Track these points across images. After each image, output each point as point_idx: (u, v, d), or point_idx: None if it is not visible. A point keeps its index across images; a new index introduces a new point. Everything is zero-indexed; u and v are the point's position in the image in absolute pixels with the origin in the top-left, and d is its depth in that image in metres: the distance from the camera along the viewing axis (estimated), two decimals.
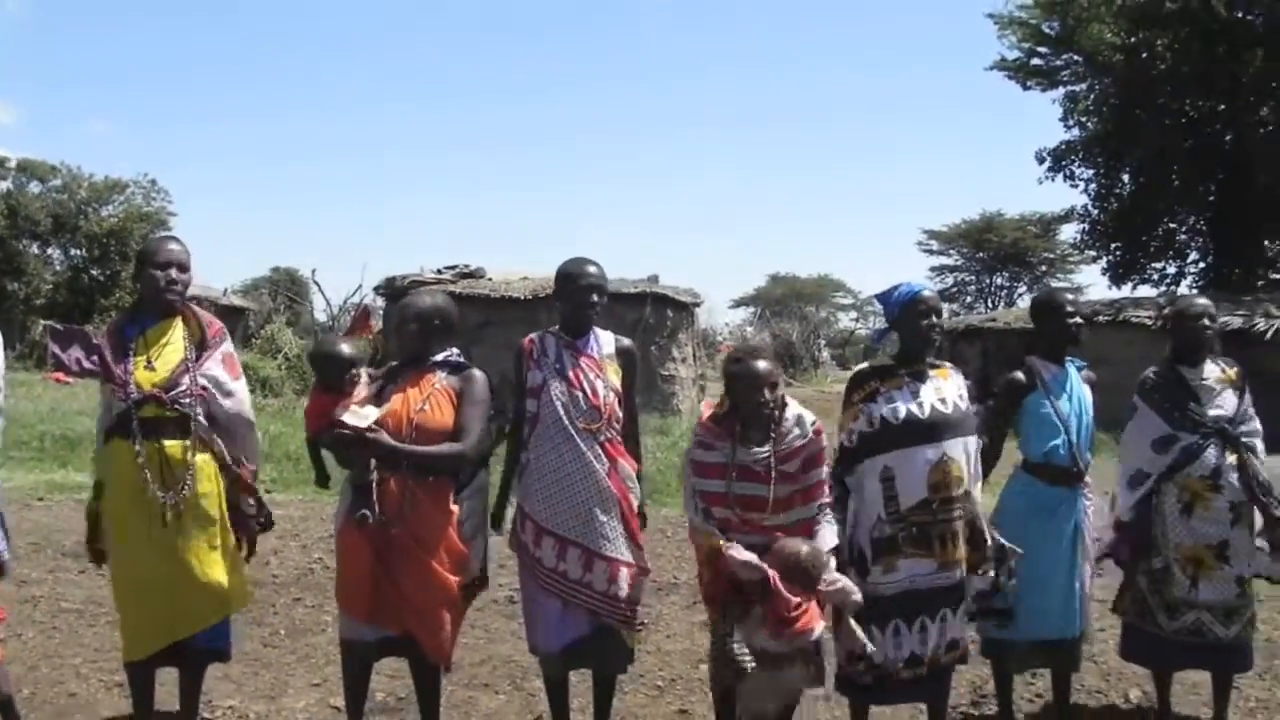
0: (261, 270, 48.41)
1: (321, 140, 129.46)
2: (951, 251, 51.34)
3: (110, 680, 5.37)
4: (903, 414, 4.33)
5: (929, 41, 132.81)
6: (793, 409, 4.34)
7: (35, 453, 12.60)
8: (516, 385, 4.57)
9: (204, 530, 4.31)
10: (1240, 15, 24.98)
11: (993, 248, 48.71)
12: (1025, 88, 29.08)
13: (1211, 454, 4.78)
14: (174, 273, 4.32)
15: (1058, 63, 28.40)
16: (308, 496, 10.70)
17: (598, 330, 4.63)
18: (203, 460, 4.31)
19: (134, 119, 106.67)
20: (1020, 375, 4.79)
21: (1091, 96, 28.28)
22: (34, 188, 35.84)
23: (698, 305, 22.92)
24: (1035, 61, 28.56)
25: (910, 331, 4.48)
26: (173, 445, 4.24)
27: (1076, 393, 4.81)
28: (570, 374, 4.48)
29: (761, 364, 4.24)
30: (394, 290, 21.56)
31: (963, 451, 4.36)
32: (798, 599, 4.03)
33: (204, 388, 4.32)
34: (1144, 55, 25.53)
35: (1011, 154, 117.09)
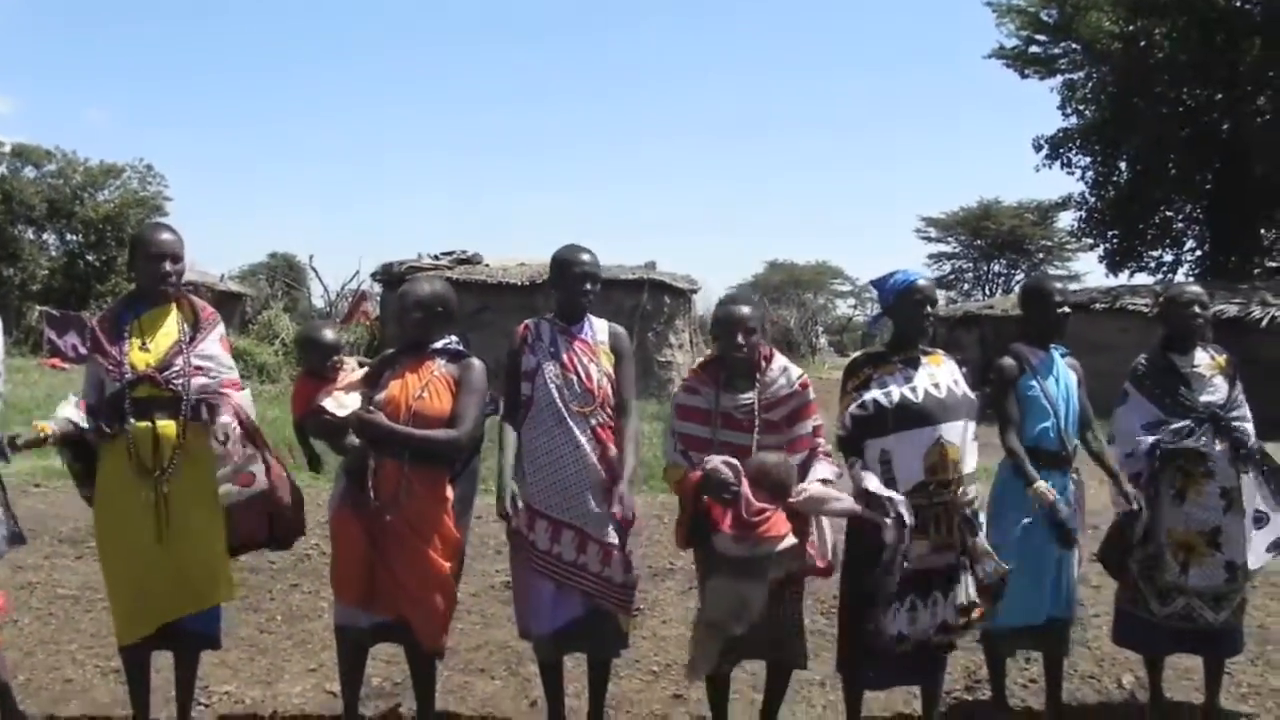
0: (259, 256, 48.37)
1: (320, 126, 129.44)
2: (949, 239, 51.38)
3: (107, 666, 5.38)
4: (896, 398, 4.35)
5: (928, 29, 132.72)
6: (780, 360, 4.46)
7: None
8: (510, 369, 4.58)
9: (196, 512, 4.32)
10: (1238, 4, 25.04)
11: (990, 235, 48.74)
12: (1023, 76, 29.12)
13: (1203, 440, 4.79)
14: (168, 264, 4.34)
15: (1056, 51, 28.44)
16: (304, 483, 10.61)
17: (592, 318, 4.66)
18: (195, 440, 4.32)
19: (131, 107, 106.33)
20: (1010, 360, 4.81)
21: (1089, 85, 28.31)
22: (29, 172, 35.79)
23: (695, 292, 22.94)
24: (1033, 49, 28.59)
25: (904, 319, 4.51)
26: (165, 425, 4.25)
27: (1063, 378, 4.84)
28: (564, 357, 4.51)
29: (742, 309, 4.38)
30: (391, 276, 21.60)
31: (959, 434, 4.37)
32: (762, 505, 4.09)
33: (199, 366, 4.35)
34: (1142, 44, 25.55)
35: (1009, 142, 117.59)
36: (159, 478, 4.23)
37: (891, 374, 4.42)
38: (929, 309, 4.50)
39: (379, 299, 25.34)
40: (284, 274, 41.18)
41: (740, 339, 4.32)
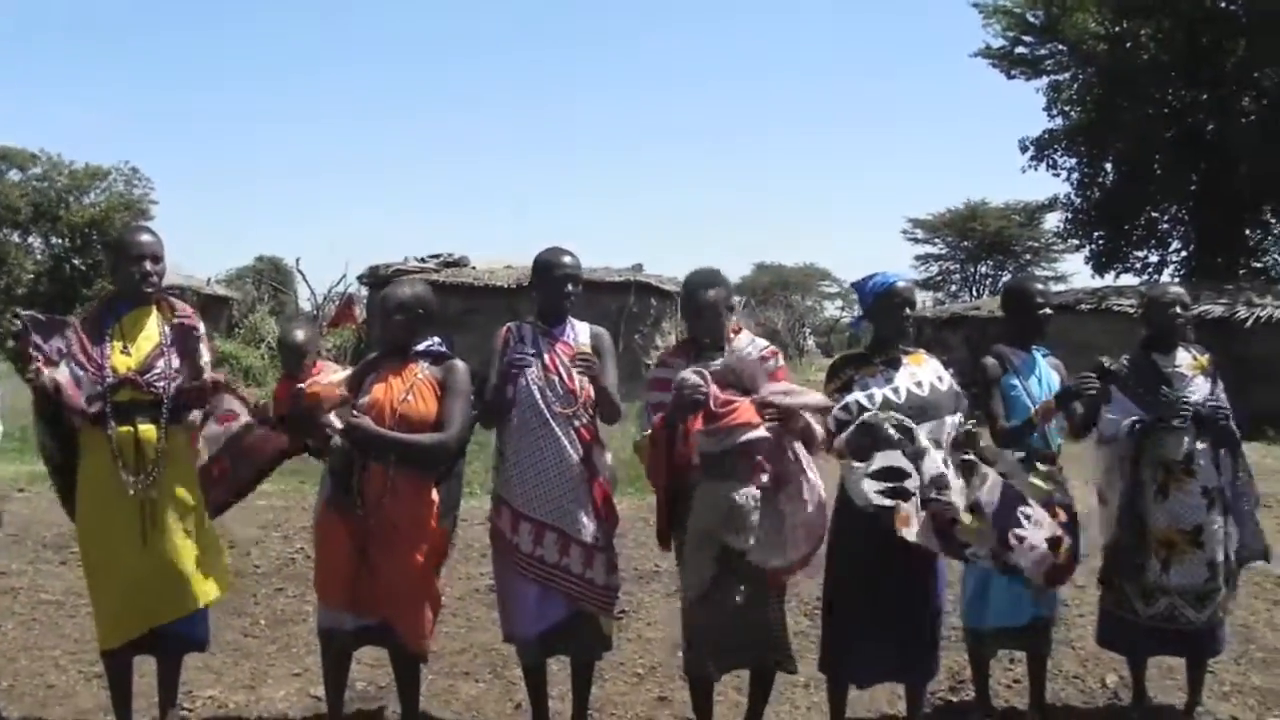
0: (246, 259, 48.28)
1: (308, 130, 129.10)
2: (936, 240, 51.43)
3: (90, 671, 5.36)
4: (878, 399, 4.36)
5: (914, 29, 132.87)
6: (746, 335, 4.58)
7: (16, 444, 12.50)
8: (484, 369, 4.61)
9: (179, 515, 4.32)
10: (1223, 5, 25.08)
11: (977, 236, 48.79)
12: (1009, 76, 29.10)
13: (1185, 440, 4.81)
14: (148, 265, 4.33)
15: (1042, 51, 28.44)
16: (289, 487, 10.67)
17: (574, 320, 4.68)
18: (177, 444, 4.31)
19: (117, 109, 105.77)
20: (991, 360, 4.85)
21: (1075, 86, 28.32)
22: (14, 175, 35.66)
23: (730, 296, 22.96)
24: (1019, 50, 28.57)
25: (884, 321, 4.54)
26: (146, 428, 4.25)
27: (1045, 377, 4.87)
28: (546, 359, 4.52)
29: (708, 294, 4.48)
30: (378, 279, 21.58)
31: (945, 431, 4.39)
32: (729, 396, 4.16)
33: (178, 369, 4.35)
34: (1127, 45, 25.61)
35: (996, 143, 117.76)
36: (142, 481, 4.22)
37: (873, 375, 4.44)
38: (908, 310, 4.53)
39: (366, 302, 25.32)
40: (271, 277, 41.08)
41: (710, 323, 4.45)
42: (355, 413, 4.31)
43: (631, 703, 5.25)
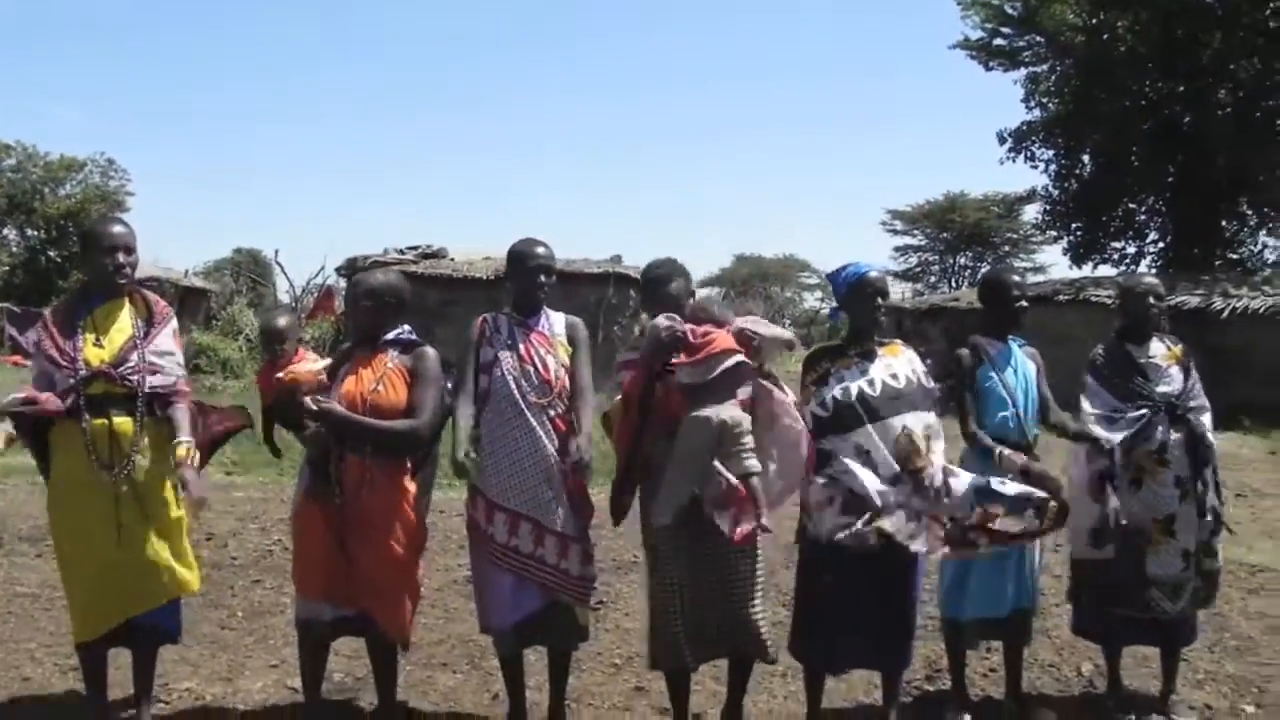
0: (224, 251, 48.06)
1: (286, 122, 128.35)
2: (915, 231, 51.52)
3: (65, 664, 5.33)
4: (854, 393, 4.37)
5: (893, 21, 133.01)
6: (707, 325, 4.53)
7: None
8: (461, 361, 4.59)
9: (154, 508, 4.30)
10: None
11: (956, 228, 48.92)
12: (988, 68, 29.27)
13: (1158, 430, 4.84)
14: (121, 256, 4.29)
15: (1020, 43, 28.60)
16: (267, 479, 10.67)
17: (549, 311, 4.68)
18: (152, 436, 4.29)
19: (95, 101, 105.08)
20: (966, 352, 4.86)
21: (1053, 77, 28.48)
22: None
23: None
24: (998, 42, 28.74)
25: (857, 311, 4.55)
26: (122, 421, 4.22)
27: (1021, 368, 4.89)
28: (521, 349, 4.52)
29: (669, 289, 4.51)
30: (356, 271, 21.49)
31: (919, 423, 4.41)
32: (705, 329, 4.22)
33: (152, 362, 4.31)
34: (1104, 36, 25.73)
35: (974, 134, 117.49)
36: (116, 475, 4.20)
37: (848, 368, 4.45)
38: (880, 300, 4.54)
39: (344, 294, 25.22)
40: (249, 269, 40.90)
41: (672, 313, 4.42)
42: (321, 398, 4.30)
43: (609, 693, 5.26)
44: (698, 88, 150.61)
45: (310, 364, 4.65)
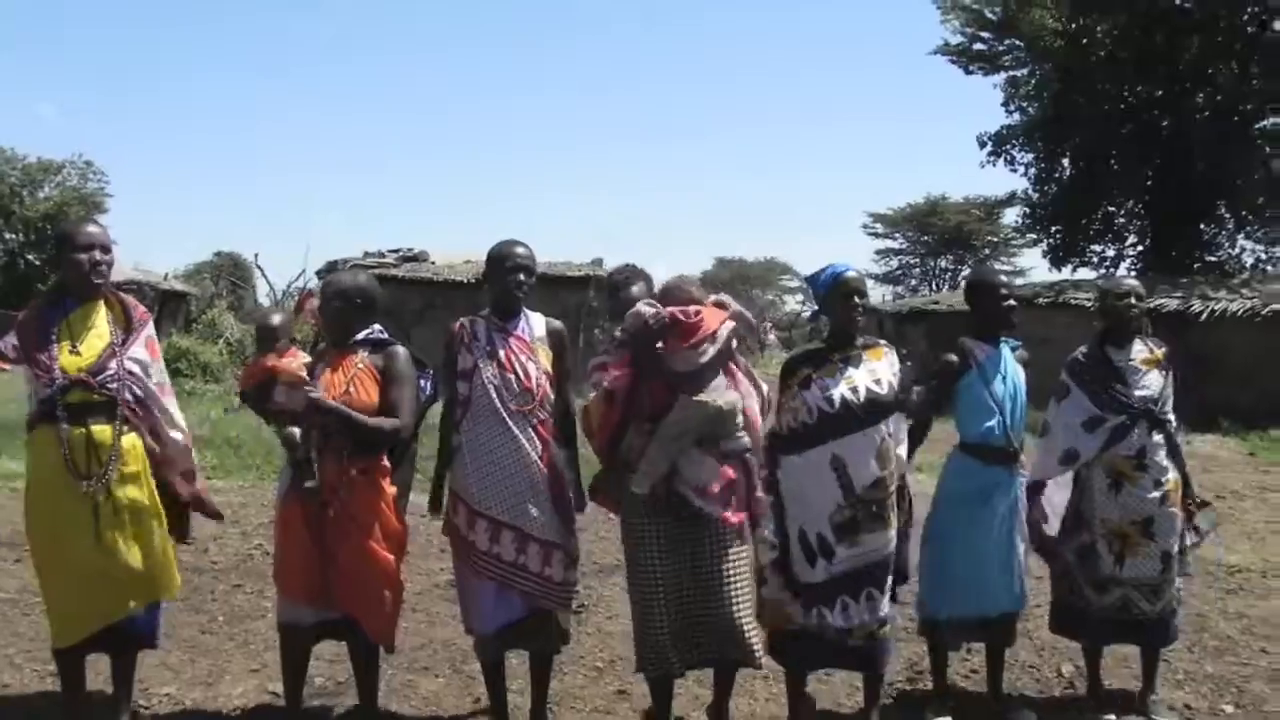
0: (204, 254, 47.77)
1: (266, 124, 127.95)
2: (896, 235, 51.76)
3: (45, 670, 5.29)
4: (838, 401, 4.38)
5: (873, 26, 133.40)
6: None
7: None
8: (447, 368, 4.57)
9: (132, 514, 4.27)
10: (1178, 2, 25.32)
11: (937, 231, 49.14)
12: (968, 72, 29.32)
13: (1136, 434, 4.86)
14: (98, 254, 4.24)
15: (1000, 48, 28.65)
16: (248, 483, 10.63)
17: (529, 313, 4.65)
18: (130, 443, 4.26)
19: (72, 103, 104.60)
20: (953, 357, 4.85)
21: (1032, 82, 28.53)
22: None
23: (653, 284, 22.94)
24: (978, 46, 28.79)
25: (836, 312, 4.55)
26: (100, 430, 4.18)
27: (1010, 374, 4.88)
28: (502, 356, 4.49)
29: (632, 292, 4.56)
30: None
31: (894, 427, 4.47)
32: (694, 306, 4.26)
33: (131, 371, 4.27)
34: (1084, 41, 25.79)
35: (955, 138, 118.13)
36: (95, 483, 4.16)
37: (831, 375, 4.45)
38: (858, 300, 4.52)
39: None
40: (229, 272, 40.70)
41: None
42: (313, 387, 4.31)
43: (591, 696, 5.25)
44: (679, 91, 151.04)
45: (294, 361, 4.64)
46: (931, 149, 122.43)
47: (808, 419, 4.42)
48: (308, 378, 4.42)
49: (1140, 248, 28.52)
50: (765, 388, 4.53)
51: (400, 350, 4.49)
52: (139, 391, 4.31)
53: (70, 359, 4.18)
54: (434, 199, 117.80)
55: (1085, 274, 27.46)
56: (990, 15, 27.80)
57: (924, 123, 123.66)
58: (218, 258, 45.29)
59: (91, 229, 4.33)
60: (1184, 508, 4.98)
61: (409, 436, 4.61)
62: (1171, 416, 4.96)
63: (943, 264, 50.97)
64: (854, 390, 4.40)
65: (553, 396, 4.57)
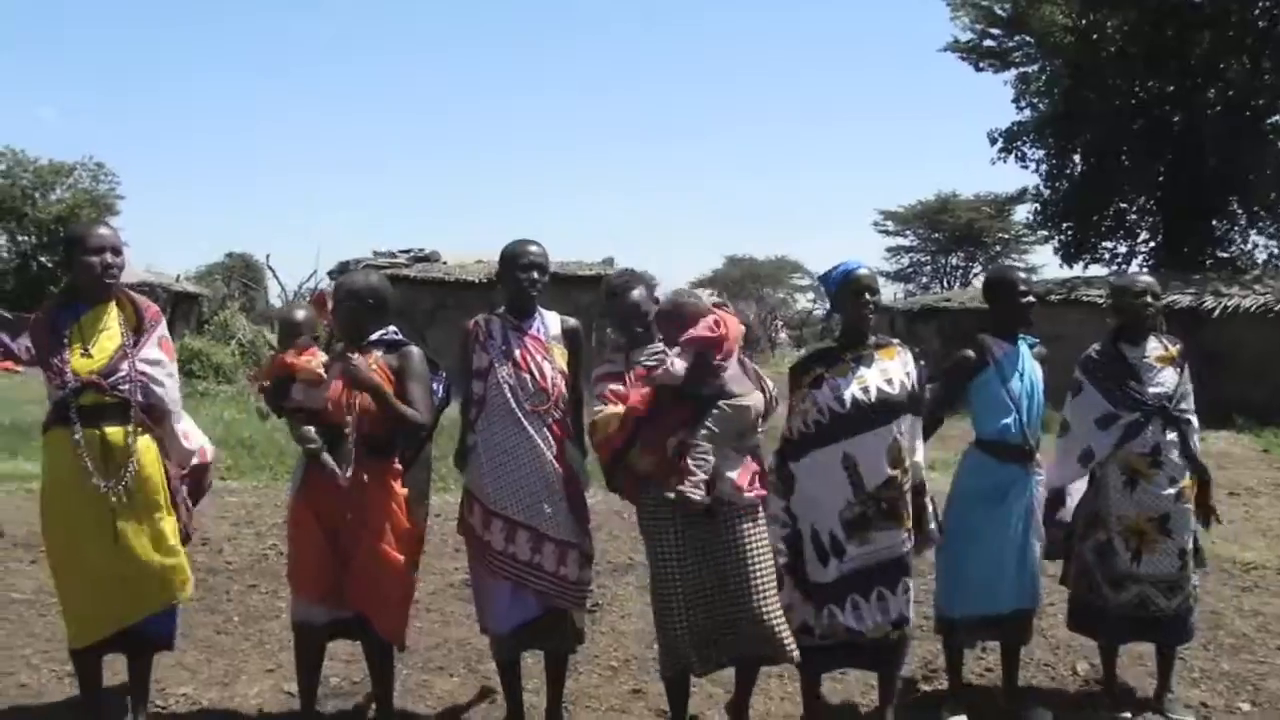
0: (216, 256, 47.90)
1: (278, 125, 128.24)
2: (907, 232, 51.61)
3: (62, 670, 5.31)
4: (849, 401, 4.37)
5: (883, 23, 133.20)
6: None
7: None
8: (464, 368, 4.58)
9: (147, 516, 4.28)
10: None
11: (948, 228, 48.99)
12: (978, 69, 29.27)
13: (1151, 431, 4.85)
14: (109, 256, 4.23)
15: (1009, 44, 28.59)
16: (261, 483, 10.65)
17: (544, 312, 4.65)
18: (144, 445, 4.27)
19: (83, 104, 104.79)
20: (970, 352, 4.84)
21: (1043, 78, 28.47)
22: None
23: (655, 288, 22.93)
24: (987, 43, 28.74)
25: (847, 310, 4.55)
26: (114, 432, 4.18)
27: (1028, 371, 4.87)
28: (517, 356, 4.49)
29: (632, 296, 4.52)
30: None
31: (908, 427, 4.45)
32: (716, 320, 4.32)
33: (143, 372, 4.27)
34: (1094, 37, 25.73)
35: (965, 135, 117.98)
36: (110, 485, 4.16)
37: (844, 375, 4.44)
38: (869, 297, 4.51)
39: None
40: (241, 274, 40.83)
41: (638, 328, 4.46)
42: (350, 357, 4.35)
43: (606, 695, 5.25)
44: (689, 89, 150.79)
45: (313, 360, 4.64)
46: (942, 146, 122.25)
47: (819, 418, 4.41)
48: (325, 376, 4.43)
49: (1152, 244, 28.47)
50: (771, 384, 4.54)
51: (415, 350, 4.50)
52: (158, 391, 4.31)
53: (82, 361, 4.18)
54: (445, 199, 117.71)
55: (1097, 270, 27.40)
56: (1000, 11, 27.76)
57: (934, 120, 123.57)
58: (229, 259, 45.48)
59: (102, 231, 4.31)
60: (1204, 506, 4.97)
61: (425, 436, 4.62)
62: (1193, 417, 4.95)
63: (954, 261, 50.86)
64: (865, 390, 4.40)
65: (567, 395, 4.58)
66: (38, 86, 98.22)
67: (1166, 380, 4.90)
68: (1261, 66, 24.82)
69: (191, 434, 4.61)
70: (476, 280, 20.48)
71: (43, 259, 34.09)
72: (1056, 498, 5.03)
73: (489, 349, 4.52)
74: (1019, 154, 29.09)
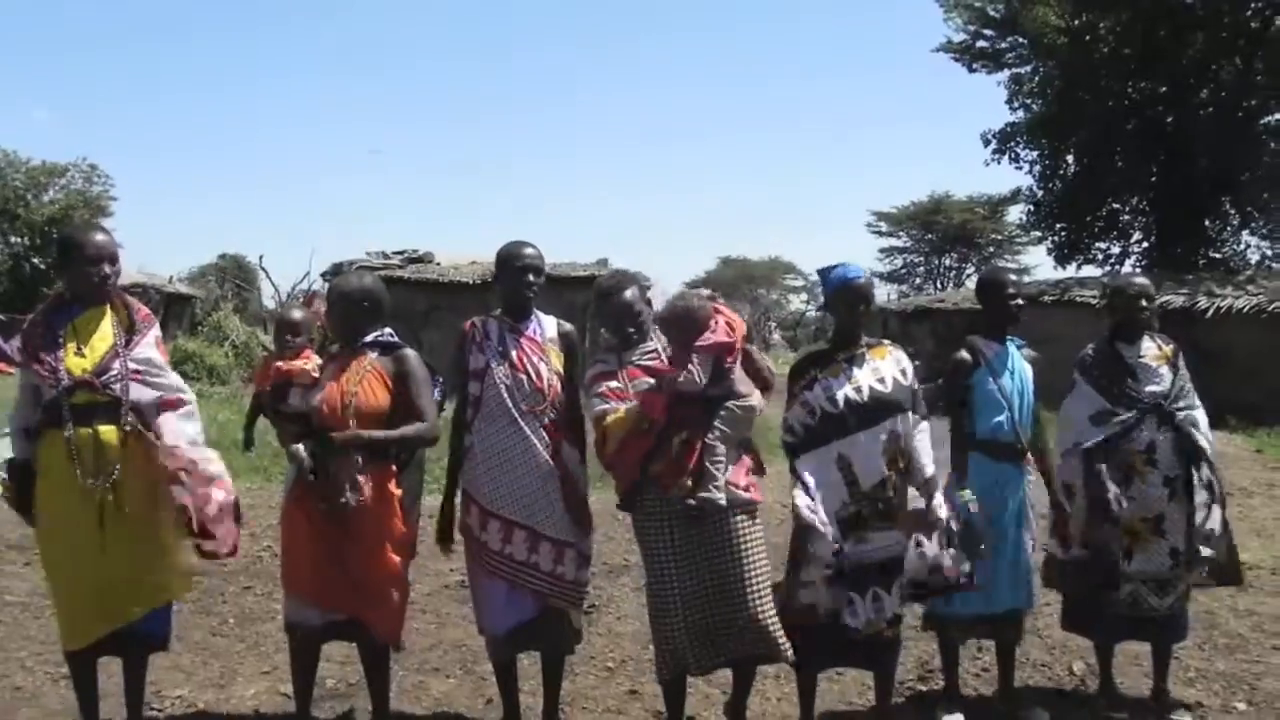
0: (209, 257, 47.85)
1: (271, 126, 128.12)
2: (900, 233, 51.63)
3: (57, 673, 5.30)
4: (841, 402, 4.38)
5: (876, 24, 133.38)
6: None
7: None
8: (458, 369, 4.58)
9: (139, 515, 4.25)
10: None
11: (941, 229, 49.03)
12: (971, 70, 29.36)
13: (1146, 430, 4.86)
14: (106, 267, 4.24)
15: (1002, 45, 28.70)
16: (256, 484, 10.61)
17: (540, 314, 4.66)
18: (136, 443, 4.26)
19: (75, 106, 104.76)
20: (965, 354, 4.85)
21: (1036, 79, 28.56)
22: None
23: (648, 288, 22.97)
24: (980, 44, 28.84)
25: (840, 314, 4.56)
26: (106, 430, 4.18)
27: (1018, 370, 4.89)
28: (514, 356, 4.50)
29: (625, 296, 4.47)
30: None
31: (904, 427, 4.44)
32: (722, 330, 4.32)
33: (137, 371, 4.26)
34: (1087, 38, 25.83)
35: (959, 136, 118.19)
36: (101, 483, 4.16)
37: (836, 376, 4.45)
38: (863, 306, 4.53)
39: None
40: (234, 275, 40.79)
41: (631, 329, 4.44)
42: (342, 434, 4.29)
43: (602, 696, 5.25)
44: (682, 91, 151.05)
45: (308, 363, 4.64)
46: (935, 147, 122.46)
47: (810, 420, 4.42)
48: (319, 378, 4.42)
49: (1145, 244, 28.57)
50: (767, 360, 4.60)
51: (411, 353, 4.49)
52: (149, 394, 4.30)
53: (76, 361, 4.19)
54: (438, 200, 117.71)
55: (1090, 271, 27.48)
56: (993, 12, 27.85)
57: (927, 121, 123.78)
58: (222, 260, 45.42)
59: (99, 239, 4.30)
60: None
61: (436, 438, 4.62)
62: (1199, 416, 4.95)
63: (947, 262, 50.87)
64: (858, 390, 4.41)
65: (563, 397, 4.57)
66: (30, 88, 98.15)
67: (1163, 379, 4.91)
68: (1254, 67, 24.93)
69: (207, 464, 4.51)
70: (470, 281, 20.50)
71: (35, 261, 33.98)
72: (1066, 492, 5.01)
73: (485, 349, 4.52)
74: (1012, 155, 29.22)
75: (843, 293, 4.50)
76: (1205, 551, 4.89)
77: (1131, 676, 5.39)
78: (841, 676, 5.27)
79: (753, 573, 4.28)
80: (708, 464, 4.21)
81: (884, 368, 4.49)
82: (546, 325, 4.65)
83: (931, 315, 23.46)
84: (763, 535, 4.42)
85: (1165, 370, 4.94)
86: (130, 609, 4.31)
